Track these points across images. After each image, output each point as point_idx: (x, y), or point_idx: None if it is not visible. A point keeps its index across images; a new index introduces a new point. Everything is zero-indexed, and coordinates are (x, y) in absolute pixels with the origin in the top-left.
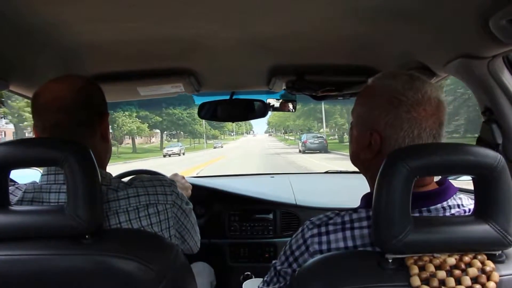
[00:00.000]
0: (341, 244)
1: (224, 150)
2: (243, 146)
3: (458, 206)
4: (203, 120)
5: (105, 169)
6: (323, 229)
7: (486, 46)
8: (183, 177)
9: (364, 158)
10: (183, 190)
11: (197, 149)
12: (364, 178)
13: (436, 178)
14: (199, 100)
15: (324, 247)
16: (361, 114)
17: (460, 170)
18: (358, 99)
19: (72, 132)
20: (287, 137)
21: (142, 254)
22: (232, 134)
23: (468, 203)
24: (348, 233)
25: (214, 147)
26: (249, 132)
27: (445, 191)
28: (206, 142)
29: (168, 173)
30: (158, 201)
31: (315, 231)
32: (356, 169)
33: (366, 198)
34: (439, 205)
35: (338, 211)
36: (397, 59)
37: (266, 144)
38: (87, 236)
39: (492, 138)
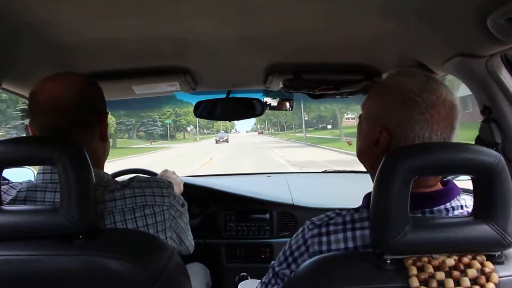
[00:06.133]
0: (342, 245)
1: None
2: None
3: (461, 207)
4: None
5: (102, 169)
6: (323, 229)
7: (485, 44)
8: (174, 172)
9: (370, 155)
10: (175, 185)
11: None
12: (362, 178)
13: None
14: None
15: (324, 247)
16: (372, 110)
17: (459, 169)
18: (370, 94)
19: (69, 133)
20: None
21: (136, 255)
22: (193, 130)
23: (471, 203)
24: (349, 233)
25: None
26: (229, 131)
27: (448, 192)
28: None
29: None
30: (155, 202)
31: (316, 231)
32: (354, 169)
33: (368, 198)
34: (442, 207)
35: (339, 211)
36: (395, 58)
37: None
38: (80, 236)
39: (491, 137)
